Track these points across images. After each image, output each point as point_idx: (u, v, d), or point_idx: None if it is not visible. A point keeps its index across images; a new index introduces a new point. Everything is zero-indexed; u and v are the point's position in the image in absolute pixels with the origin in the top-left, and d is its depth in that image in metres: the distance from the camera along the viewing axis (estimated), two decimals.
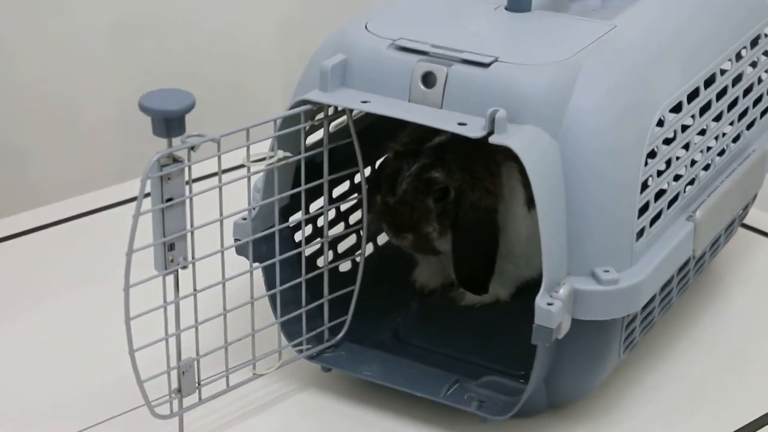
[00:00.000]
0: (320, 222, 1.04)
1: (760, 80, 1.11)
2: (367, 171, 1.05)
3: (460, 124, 0.90)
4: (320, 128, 0.99)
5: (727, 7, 1.11)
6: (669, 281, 0.99)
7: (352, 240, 1.08)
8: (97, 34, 2.16)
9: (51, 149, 2.10)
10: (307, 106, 0.95)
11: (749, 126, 1.09)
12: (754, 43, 1.10)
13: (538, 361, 0.92)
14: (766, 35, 1.12)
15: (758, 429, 0.99)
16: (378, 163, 1.06)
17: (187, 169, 0.89)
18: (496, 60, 0.93)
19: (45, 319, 1.12)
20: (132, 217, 0.86)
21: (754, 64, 1.10)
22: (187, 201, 0.90)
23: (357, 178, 1.06)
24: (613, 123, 0.93)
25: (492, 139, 0.88)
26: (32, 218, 1.25)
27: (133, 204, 0.99)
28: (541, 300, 0.89)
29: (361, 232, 1.06)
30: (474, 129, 0.90)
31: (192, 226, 0.91)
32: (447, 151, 1.00)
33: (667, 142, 0.97)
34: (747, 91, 1.09)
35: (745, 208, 1.15)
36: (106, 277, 0.95)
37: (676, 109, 0.98)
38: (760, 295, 1.14)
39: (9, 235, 1.23)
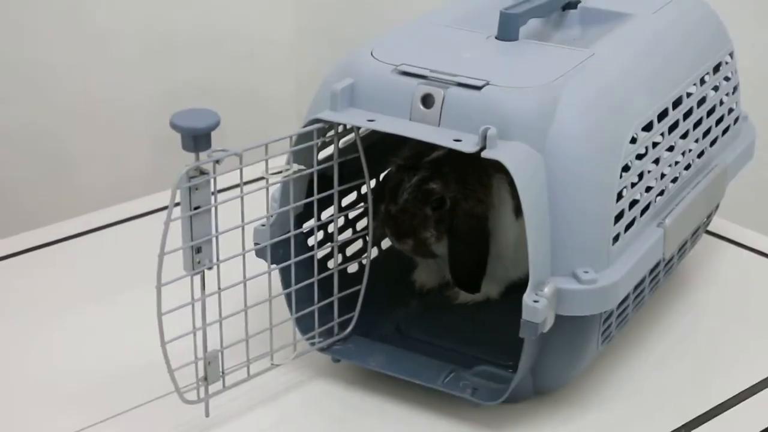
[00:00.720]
0: (330, 228, 1.04)
1: (721, 102, 1.11)
2: (373, 183, 1.05)
3: (455, 140, 0.90)
4: (331, 144, 0.99)
5: (693, 37, 1.12)
6: (641, 281, 0.99)
7: (359, 244, 1.08)
8: (131, 56, 2.14)
9: (88, 161, 2.08)
10: (319, 125, 0.95)
11: (712, 143, 1.09)
12: (716, 69, 1.11)
13: (525, 353, 0.92)
14: (726, 63, 1.12)
15: (722, 412, 0.98)
16: (382, 175, 1.05)
17: (212, 180, 0.89)
18: (487, 83, 0.92)
19: (85, 317, 1.12)
20: (164, 223, 0.86)
21: (716, 88, 1.10)
22: (213, 209, 0.90)
23: (363, 189, 1.06)
24: (590, 140, 0.93)
25: (484, 154, 0.88)
26: (72, 226, 1.25)
27: (162, 213, 1.00)
28: (528, 298, 0.88)
29: (367, 238, 1.06)
30: (468, 145, 0.89)
31: (216, 231, 0.91)
32: (444, 164, 0.99)
33: (640, 157, 0.97)
34: (710, 112, 1.09)
35: (709, 216, 1.15)
36: (140, 279, 0.94)
37: (648, 127, 0.98)
38: (722, 294, 1.14)
39: (54, 240, 1.23)
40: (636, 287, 0.98)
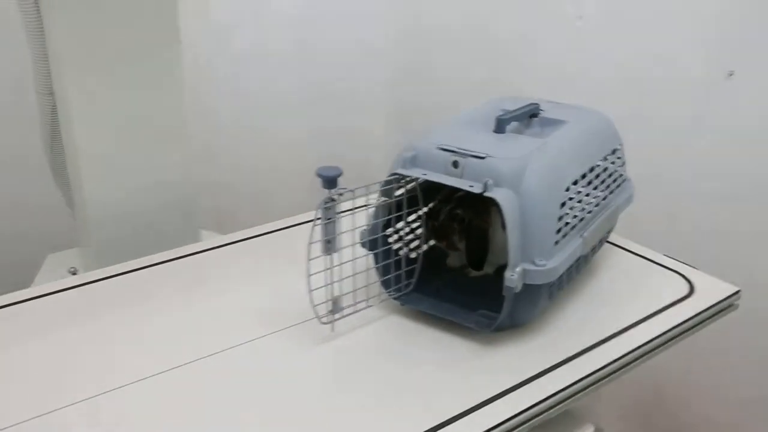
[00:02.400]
0: (401, 232, 1.03)
1: (615, 170, 1.09)
2: (425, 208, 1.04)
3: (470, 186, 0.90)
4: (402, 185, 1.00)
5: (600, 134, 1.08)
6: (570, 267, 0.98)
7: (416, 242, 1.06)
8: (271, 111, 1.91)
9: (273, 186, 1.94)
10: (396, 175, 0.96)
11: (610, 192, 1.08)
12: (613, 152, 1.09)
13: (506, 304, 0.91)
14: (618, 148, 1.10)
15: (612, 338, 0.96)
16: (430, 205, 1.04)
17: (337, 205, 0.90)
18: (488, 156, 0.92)
19: (274, 279, 1.08)
20: (312, 226, 0.88)
21: (613, 162, 1.08)
22: (337, 220, 0.91)
23: (420, 212, 1.04)
24: (544, 189, 0.92)
25: (486, 194, 0.89)
26: (265, 227, 1.22)
27: (304, 225, 1.13)
28: (508, 274, 0.89)
29: (422, 237, 1.04)
30: (477, 188, 0.90)
31: (339, 229, 0.92)
32: (464, 199, 0.98)
33: (571, 199, 0.96)
34: (609, 176, 1.07)
35: (608, 232, 1.14)
36: (289, 265, 0.95)
37: (575, 183, 0.97)
38: (613, 274, 1.11)
39: (255, 235, 1.21)
40: (567, 270, 0.97)
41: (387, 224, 1.00)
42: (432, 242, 1.05)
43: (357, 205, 1.00)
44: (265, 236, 1.20)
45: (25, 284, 1.23)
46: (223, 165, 1.84)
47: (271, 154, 1.92)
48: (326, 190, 0.88)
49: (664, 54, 1.47)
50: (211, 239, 1.20)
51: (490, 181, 0.90)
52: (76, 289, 1.04)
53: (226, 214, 1.80)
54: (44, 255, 1.38)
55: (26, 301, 1.01)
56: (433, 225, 1.03)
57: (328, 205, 0.88)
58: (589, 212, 1.02)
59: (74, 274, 1.29)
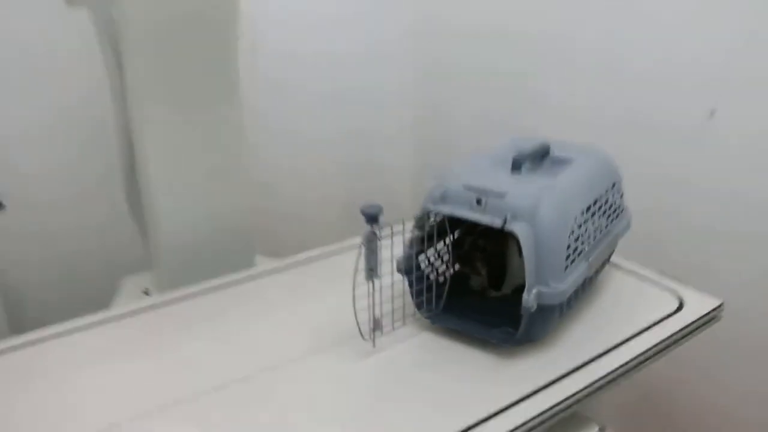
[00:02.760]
0: (432, 259, 1.03)
1: (615, 201, 1.09)
2: (447, 238, 1.05)
3: (492, 220, 0.92)
4: (432, 219, 1.00)
5: (602, 170, 1.08)
6: (577, 288, 0.98)
7: (444, 268, 1.07)
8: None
9: (288, 214, 1.87)
10: (428, 210, 0.97)
11: (611, 221, 1.08)
12: (613, 186, 1.09)
13: (523, 322, 0.92)
14: (617, 182, 1.10)
15: (614, 349, 0.97)
16: (456, 235, 1.05)
17: (379, 237, 0.91)
18: (506, 193, 0.93)
19: (306, 308, 1.07)
20: (357, 256, 0.89)
21: (613, 195, 1.08)
22: (378, 251, 0.91)
23: (447, 240, 1.05)
24: (555, 221, 0.92)
25: (505, 228, 0.90)
26: (313, 253, 1.23)
27: (347, 251, 1.12)
28: (525, 295, 0.90)
29: (449, 264, 1.04)
30: (497, 222, 0.91)
31: (380, 259, 0.92)
32: (486, 230, 0.98)
33: (579, 227, 0.96)
34: (610, 207, 1.07)
35: (610, 256, 1.14)
36: (334, 287, 0.94)
37: (582, 214, 0.97)
38: (614, 291, 1.10)
39: (278, 268, 1.20)
40: (575, 291, 0.97)
41: (419, 252, 1.00)
42: (457, 267, 1.05)
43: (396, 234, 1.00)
44: (311, 262, 1.20)
45: (105, 303, 1.27)
46: (264, 191, 1.84)
47: (307, 183, 1.93)
48: (368, 225, 0.89)
49: (656, 101, 1.48)
50: (265, 264, 1.21)
51: (509, 216, 0.90)
52: (150, 311, 1.06)
53: (267, 233, 1.82)
54: (121, 277, 1.41)
55: (104, 323, 1.02)
56: (458, 253, 1.03)
57: (371, 238, 0.89)
58: (594, 239, 1.02)
59: (147, 294, 1.31)
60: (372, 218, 0.89)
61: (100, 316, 1.03)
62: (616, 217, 1.11)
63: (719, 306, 1.06)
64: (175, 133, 1.17)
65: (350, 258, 0.88)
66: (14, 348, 0.97)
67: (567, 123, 1.64)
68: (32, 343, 0.98)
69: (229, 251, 1.25)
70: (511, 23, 1.71)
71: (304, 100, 1.85)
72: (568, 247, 0.93)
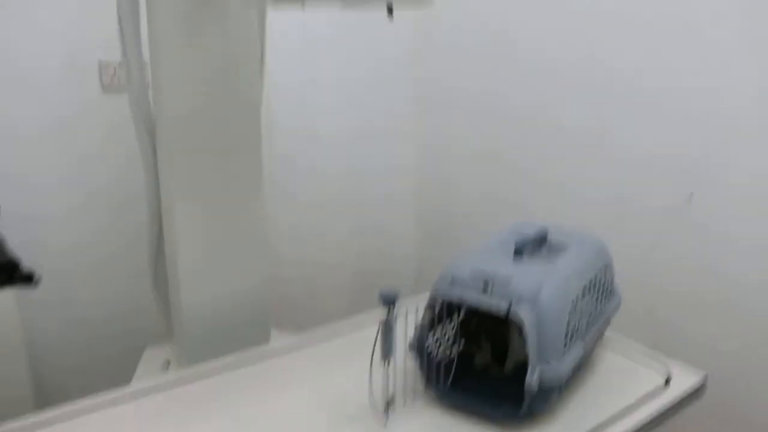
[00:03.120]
0: (440, 340, 1.03)
1: (607, 282, 1.12)
2: (454, 319, 1.06)
3: (497, 306, 0.93)
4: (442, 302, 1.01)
5: (595, 254, 1.10)
6: (575, 366, 0.99)
7: (451, 347, 1.07)
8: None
9: (300, 283, 1.89)
10: (438, 295, 0.98)
11: (603, 301, 1.10)
12: (604, 269, 1.11)
13: (526, 400, 0.94)
14: (608, 265, 1.12)
15: (607, 426, 0.99)
16: (462, 316, 1.05)
17: (395, 321, 0.93)
18: (510, 279, 0.95)
19: (321, 385, 1.06)
20: (375, 335, 0.91)
21: (604, 276, 1.10)
22: (393, 333, 0.93)
23: (455, 321, 1.06)
24: (555, 303, 0.94)
25: (511, 316, 0.93)
26: (308, 337, 1.21)
27: (361, 328, 1.11)
28: (528, 377, 0.92)
29: (456, 342, 1.04)
30: (503, 309, 0.93)
31: (396, 341, 0.94)
32: (490, 312, 0.97)
33: (576, 310, 0.98)
34: (602, 287, 1.09)
35: (602, 335, 1.16)
36: (349, 364, 0.96)
37: (579, 296, 0.99)
38: (603, 367, 1.11)
39: (294, 345, 1.18)
40: (573, 368, 0.99)
41: (429, 331, 1.01)
42: (463, 345, 1.06)
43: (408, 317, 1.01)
44: (326, 339, 1.20)
45: (128, 370, 1.28)
46: (276, 262, 1.85)
47: (318, 253, 1.95)
48: (386, 309, 0.91)
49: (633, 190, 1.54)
50: (280, 339, 1.22)
51: (513, 302, 0.93)
52: (170, 388, 1.06)
53: (279, 298, 1.81)
54: (144, 345, 1.42)
55: (124, 401, 1.02)
56: (464, 332, 1.05)
57: (388, 321, 0.92)
58: (589, 320, 1.04)
59: (168, 366, 1.32)
60: (389, 302, 0.91)
61: (119, 392, 1.02)
62: (608, 297, 1.14)
63: (704, 378, 1.08)
64: (203, 214, 1.20)
65: (363, 334, 0.92)
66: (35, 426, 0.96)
67: (557, 199, 1.69)
68: (51, 421, 0.96)
69: (247, 324, 1.28)
70: (510, 104, 1.76)
71: (314, 173, 1.89)
72: (567, 328, 0.96)
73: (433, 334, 1.02)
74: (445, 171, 1.97)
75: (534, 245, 1.08)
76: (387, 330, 0.92)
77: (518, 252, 1.04)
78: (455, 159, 1.94)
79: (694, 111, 1.39)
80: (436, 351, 1.02)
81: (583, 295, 1.02)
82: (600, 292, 1.09)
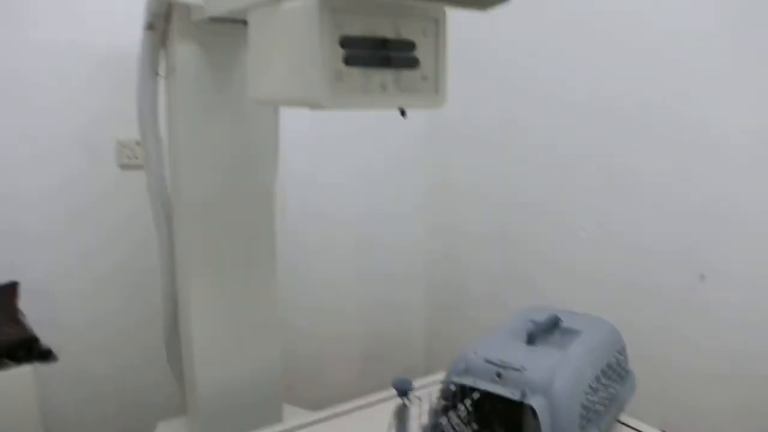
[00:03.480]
0: (454, 423, 1.01)
1: (622, 367, 1.12)
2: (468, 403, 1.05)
3: (512, 393, 0.94)
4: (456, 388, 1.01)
5: (608, 339, 1.10)
6: None
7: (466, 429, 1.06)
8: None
9: (307, 358, 1.87)
10: (452, 382, 0.99)
11: (619, 386, 1.10)
12: (619, 351, 1.12)
13: None
14: (622, 348, 1.12)
15: None
16: (476, 399, 1.04)
17: (409, 406, 0.94)
18: (523, 368, 0.95)
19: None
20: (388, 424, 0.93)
21: (618, 360, 1.09)
22: (408, 420, 0.94)
23: (468, 406, 1.03)
24: (569, 391, 0.94)
25: (525, 401, 0.93)
26: (320, 414, 1.20)
27: (373, 407, 1.11)
28: None
29: (469, 426, 1.02)
30: (516, 396, 0.93)
31: (409, 428, 0.94)
32: (503, 396, 0.97)
33: (590, 398, 0.98)
34: (617, 371, 1.09)
35: (617, 418, 1.15)
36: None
37: (593, 382, 1.00)
38: None
39: (307, 423, 1.17)
40: None
41: (443, 416, 1.01)
42: (476, 428, 1.05)
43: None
44: (337, 417, 1.19)
45: None
46: (287, 338, 1.84)
47: (328, 328, 1.95)
48: (400, 399, 0.94)
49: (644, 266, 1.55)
50: (293, 418, 1.20)
51: (527, 390, 0.93)
52: None
53: (288, 373, 1.82)
54: (157, 419, 1.41)
55: None
56: (478, 416, 1.04)
57: (402, 411, 0.94)
58: (603, 405, 1.04)
59: None
60: (403, 392, 0.93)
61: None
62: (622, 381, 1.13)
63: None
64: (218, 294, 1.22)
65: (374, 414, 0.90)
66: None
67: (565, 278, 1.70)
68: None
69: (260, 403, 1.28)
70: (518, 191, 1.79)
71: (327, 251, 1.91)
72: (581, 415, 0.96)
73: (447, 419, 1.02)
74: (455, 249, 1.99)
75: (546, 332, 1.09)
76: (401, 419, 0.94)
77: (530, 340, 1.05)
78: (464, 237, 1.96)
79: (695, 206, 1.41)
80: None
81: (597, 382, 1.02)
82: (612, 378, 1.09)
